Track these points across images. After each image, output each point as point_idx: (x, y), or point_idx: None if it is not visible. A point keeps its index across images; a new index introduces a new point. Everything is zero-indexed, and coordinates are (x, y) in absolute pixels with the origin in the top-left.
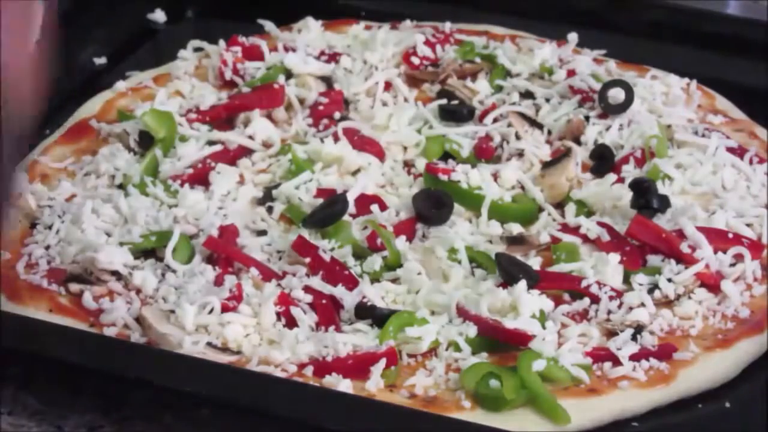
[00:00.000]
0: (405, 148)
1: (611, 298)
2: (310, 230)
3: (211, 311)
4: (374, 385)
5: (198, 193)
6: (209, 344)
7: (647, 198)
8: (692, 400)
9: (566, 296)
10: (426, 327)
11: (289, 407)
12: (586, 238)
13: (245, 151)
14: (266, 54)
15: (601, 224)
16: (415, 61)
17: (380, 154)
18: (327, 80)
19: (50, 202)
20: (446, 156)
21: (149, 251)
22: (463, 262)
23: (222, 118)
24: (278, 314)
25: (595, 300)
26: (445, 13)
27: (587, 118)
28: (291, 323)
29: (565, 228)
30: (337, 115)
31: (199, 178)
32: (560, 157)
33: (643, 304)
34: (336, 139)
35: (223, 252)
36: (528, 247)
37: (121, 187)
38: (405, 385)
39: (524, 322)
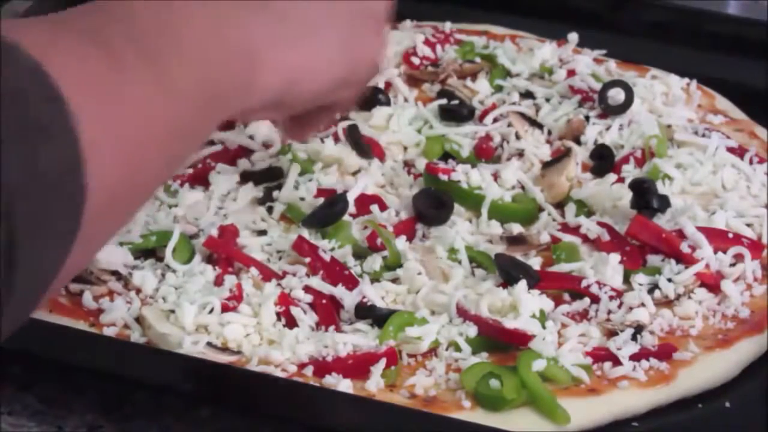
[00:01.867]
0: (405, 148)
1: (611, 298)
2: (310, 230)
3: (211, 311)
4: (374, 385)
5: (198, 192)
6: (209, 344)
7: (647, 198)
8: (692, 400)
9: (566, 296)
10: (426, 327)
11: (289, 407)
12: (586, 238)
13: (245, 151)
14: None
15: (601, 224)
16: (415, 61)
17: (380, 154)
18: None
19: None
20: (446, 156)
21: (149, 251)
22: (463, 262)
23: None
24: (278, 314)
25: (595, 300)
26: (445, 13)
27: (587, 118)
28: (291, 323)
29: (565, 228)
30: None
31: (199, 178)
32: (560, 157)
33: (643, 304)
34: (336, 139)
35: (223, 252)
36: (528, 247)
37: None
38: (405, 385)
39: (524, 322)
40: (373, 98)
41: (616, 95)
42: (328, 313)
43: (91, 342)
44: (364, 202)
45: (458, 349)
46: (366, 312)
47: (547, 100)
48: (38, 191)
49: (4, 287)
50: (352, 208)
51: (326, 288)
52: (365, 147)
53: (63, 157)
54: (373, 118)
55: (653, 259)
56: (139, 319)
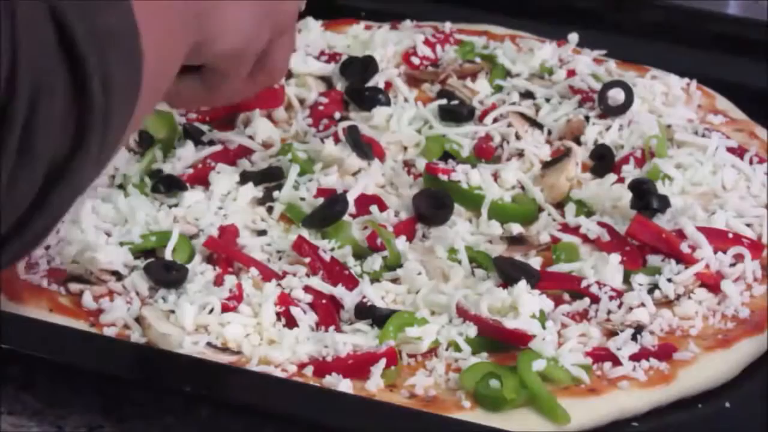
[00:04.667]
0: (405, 148)
1: (611, 298)
2: (310, 230)
3: (211, 311)
4: (374, 385)
5: (198, 192)
6: (209, 344)
7: (647, 199)
8: (692, 400)
9: (566, 296)
10: (426, 327)
11: (289, 407)
12: (586, 238)
13: (245, 151)
14: None
15: (601, 224)
16: (415, 61)
17: (380, 155)
18: (327, 80)
19: None
20: (446, 156)
21: (149, 251)
22: (463, 262)
23: (222, 118)
24: (278, 314)
25: (595, 300)
26: (445, 13)
27: (587, 118)
28: (291, 323)
29: (565, 228)
30: (337, 115)
31: (199, 178)
32: (560, 157)
33: (643, 304)
34: (336, 139)
35: (223, 252)
36: (528, 247)
37: (120, 187)
38: (405, 385)
39: (524, 322)
40: (373, 98)
41: (616, 95)
42: (328, 313)
43: (91, 342)
44: (364, 202)
45: (458, 349)
46: (366, 312)
47: (547, 100)
48: (106, 45)
49: (103, 116)
50: (352, 208)
51: (326, 288)
52: (365, 147)
53: (123, 21)
54: (373, 118)
55: (653, 259)
56: (139, 319)
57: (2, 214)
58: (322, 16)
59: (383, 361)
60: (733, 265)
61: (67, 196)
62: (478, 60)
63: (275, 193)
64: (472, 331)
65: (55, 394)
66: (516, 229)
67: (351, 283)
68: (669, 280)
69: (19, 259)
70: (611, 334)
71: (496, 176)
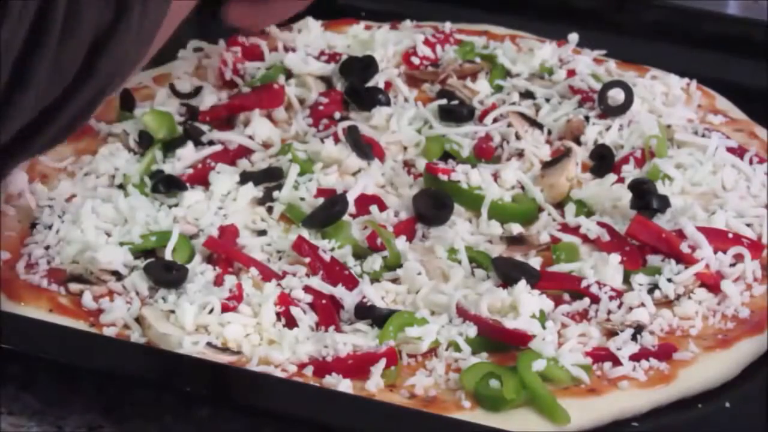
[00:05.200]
0: (405, 148)
1: (611, 298)
2: (310, 230)
3: (211, 311)
4: (374, 385)
5: (198, 192)
6: (209, 344)
7: (647, 199)
8: (692, 400)
9: (566, 296)
10: (426, 327)
11: (289, 407)
12: (586, 238)
13: (245, 151)
14: (266, 54)
15: (601, 224)
16: (415, 61)
17: (380, 154)
18: (327, 80)
19: (50, 202)
20: (446, 156)
21: (149, 251)
22: (463, 262)
23: (222, 118)
24: (278, 314)
25: (595, 300)
26: (445, 13)
27: (587, 118)
28: (291, 323)
29: (565, 228)
30: (337, 115)
31: (199, 178)
32: (560, 157)
33: (643, 304)
34: (336, 139)
35: (223, 252)
36: (528, 247)
37: (121, 187)
38: (405, 385)
39: (524, 322)
40: (373, 98)
41: (616, 95)
42: (328, 313)
43: (91, 342)
44: (364, 202)
45: (458, 349)
46: (366, 312)
47: (547, 100)
48: None
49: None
50: (352, 208)
51: (326, 288)
52: (365, 147)
53: None
54: (373, 118)
55: (653, 259)
56: (139, 319)
57: (55, 77)
58: (322, 16)
59: (383, 361)
60: (733, 265)
61: (112, 67)
62: (478, 60)
63: (275, 193)
64: (472, 331)
65: (55, 394)
66: (516, 229)
67: (351, 283)
68: (669, 280)
69: (75, 129)
70: (611, 334)
71: (496, 176)
